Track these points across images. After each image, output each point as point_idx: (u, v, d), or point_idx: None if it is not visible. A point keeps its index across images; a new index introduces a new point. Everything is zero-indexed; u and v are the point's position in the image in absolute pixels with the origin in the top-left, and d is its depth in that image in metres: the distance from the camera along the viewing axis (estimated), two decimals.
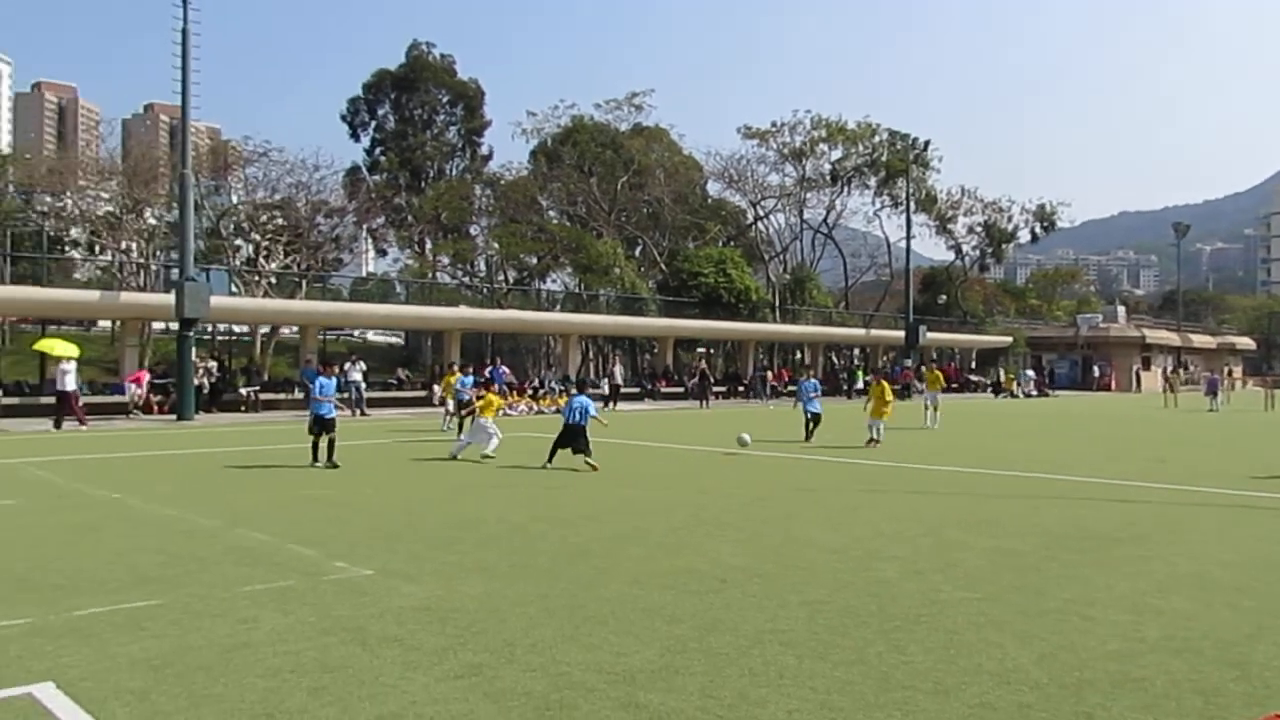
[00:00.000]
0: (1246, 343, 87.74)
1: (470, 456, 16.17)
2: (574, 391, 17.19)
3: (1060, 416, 31.84)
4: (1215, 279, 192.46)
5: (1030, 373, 58.41)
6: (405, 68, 59.74)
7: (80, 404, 23.97)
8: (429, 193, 56.44)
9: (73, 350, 25.14)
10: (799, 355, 60.18)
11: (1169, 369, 57.54)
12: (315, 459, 14.77)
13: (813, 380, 22.52)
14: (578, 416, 15.48)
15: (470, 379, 21.87)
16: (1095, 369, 66.75)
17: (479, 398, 17.52)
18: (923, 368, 38.19)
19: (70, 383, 23.74)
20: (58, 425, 23.22)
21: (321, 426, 14.84)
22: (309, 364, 34.11)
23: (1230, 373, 66.86)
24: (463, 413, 20.29)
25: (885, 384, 20.59)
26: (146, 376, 29.69)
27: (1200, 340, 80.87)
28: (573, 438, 15.19)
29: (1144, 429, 26.39)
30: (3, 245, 40.31)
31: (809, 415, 20.87)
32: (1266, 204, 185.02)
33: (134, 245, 42.78)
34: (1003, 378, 54.63)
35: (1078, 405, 42.02)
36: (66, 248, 45.24)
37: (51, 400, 25.75)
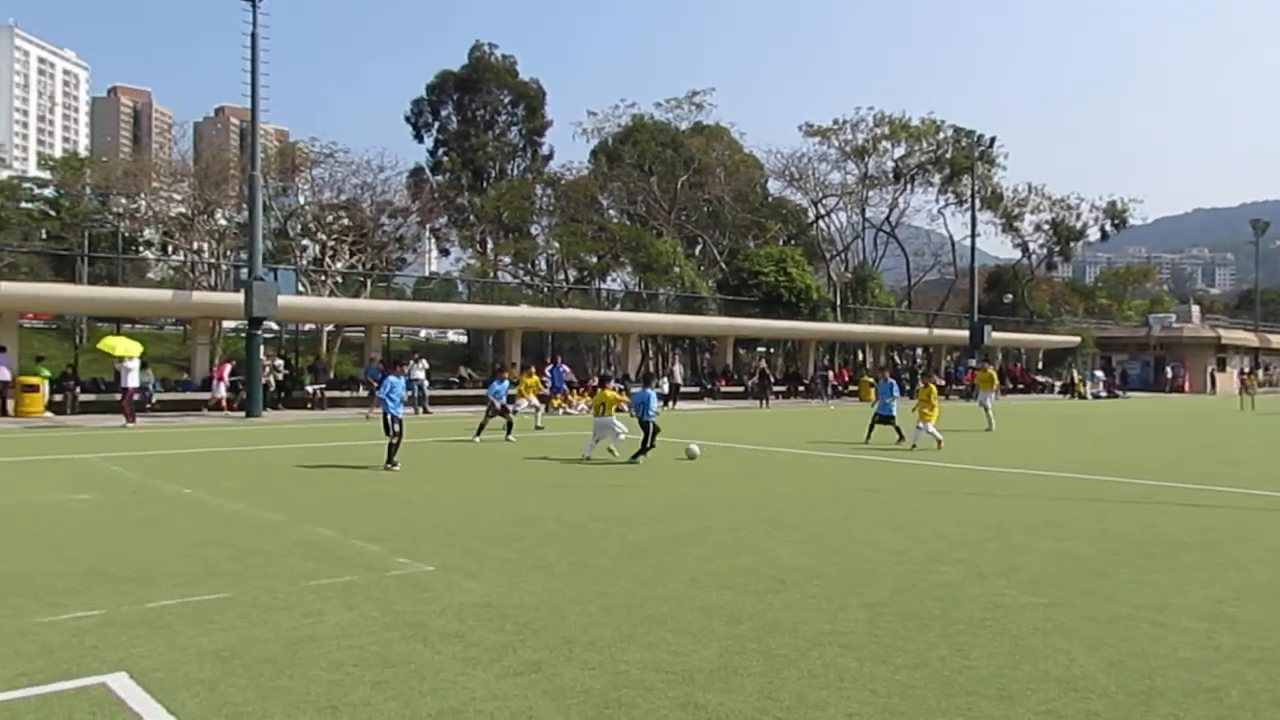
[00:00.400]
0: None
1: (543, 452, 16.27)
2: (636, 388, 17.38)
3: (1130, 419, 31.09)
4: None
5: (1099, 374, 57.10)
6: (468, 69, 60.35)
7: (132, 403, 24.17)
8: (491, 192, 56.95)
9: (134, 348, 25.75)
10: (860, 355, 59.59)
11: (1245, 370, 55.78)
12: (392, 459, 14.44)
13: (890, 381, 22.09)
14: (640, 412, 15.85)
15: (504, 384, 21.17)
16: (1168, 370, 64.98)
17: (591, 393, 18.01)
18: (973, 367, 37.65)
19: (133, 380, 24.12)
20: (130, 420, 23.73)
21: (394, 426, 14.71)
22: (373, 362, 34.67)
23: None
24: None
25: (932, 386, 20.01)
26: (229, 367, 30.58)
27: (1279, 341, 78.35)
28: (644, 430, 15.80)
29: (1218, 431, 25.64)
30: (81, 246, 41.57)
31: (878, 417, 20.51)
32: None
33: (205, 246, 43.80)
34: (1075, 378, 53.32)
35: (1149, 407, 40.99)
36: (141, 248, 46.50)
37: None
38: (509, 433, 19.93)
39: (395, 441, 14.45)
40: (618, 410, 16.89)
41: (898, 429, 20.01)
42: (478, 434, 19.58)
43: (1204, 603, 6.52)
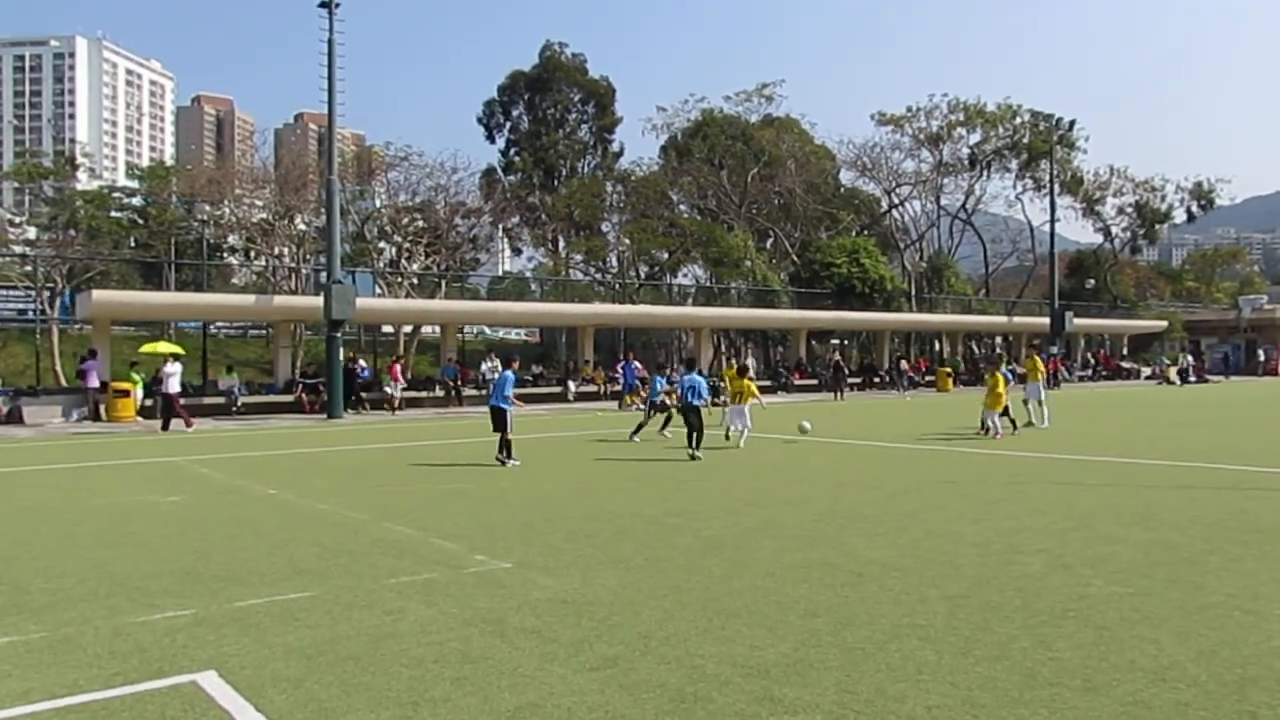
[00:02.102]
0: None
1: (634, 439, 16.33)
2: (681, 371, 17.32)
3: (1220, 404, 30.05)
4: None
5: (1189, 358, 55.32)
6: (539, 68, 60.84)
7: (182, 404, 24.22)
8: (562, 191, 57.37)
9: (176, 350, 26.21)
10: (937, 345, 58.63)
11: None
12: (503, 455, 14.57)
13: (1009, 368, 21.73)
14: (690, 396, 15.85)
15: (662, 380, 21.53)
16: (1260, 353, 62.71)
17: (731, 381, 18.40)
18: (1053, 355, 36.46)
19: (174, 385, 23.95)
20: (165, 427, 23.32)
21: (497, 423, 14.78)
22: (450, 362, 35.22)
23: None
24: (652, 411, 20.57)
25: (999, 375, 19.56)
26: (399, 367, 31.75)
27: None
28: (689, 416, 15.80)
29: None
30: (167, 253, 42.95)
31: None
32: None
33: (286, 250, 44.86)
34: (1174, 363, 51.57)
35: (1240, 391, 39.56)
36: (225, 254, 47.86)
37: (219, 400, 27.47)
38: (664, 427, 20.01)
39: (506, 438, 14.61)
40: (753, 399, 17.50)
41: (1012, 420, 19.83)
42: (635, 433, 19.21)
43: None
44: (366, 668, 5.03)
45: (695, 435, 15.60)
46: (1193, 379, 50.48)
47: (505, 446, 14.62)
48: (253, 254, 46.49)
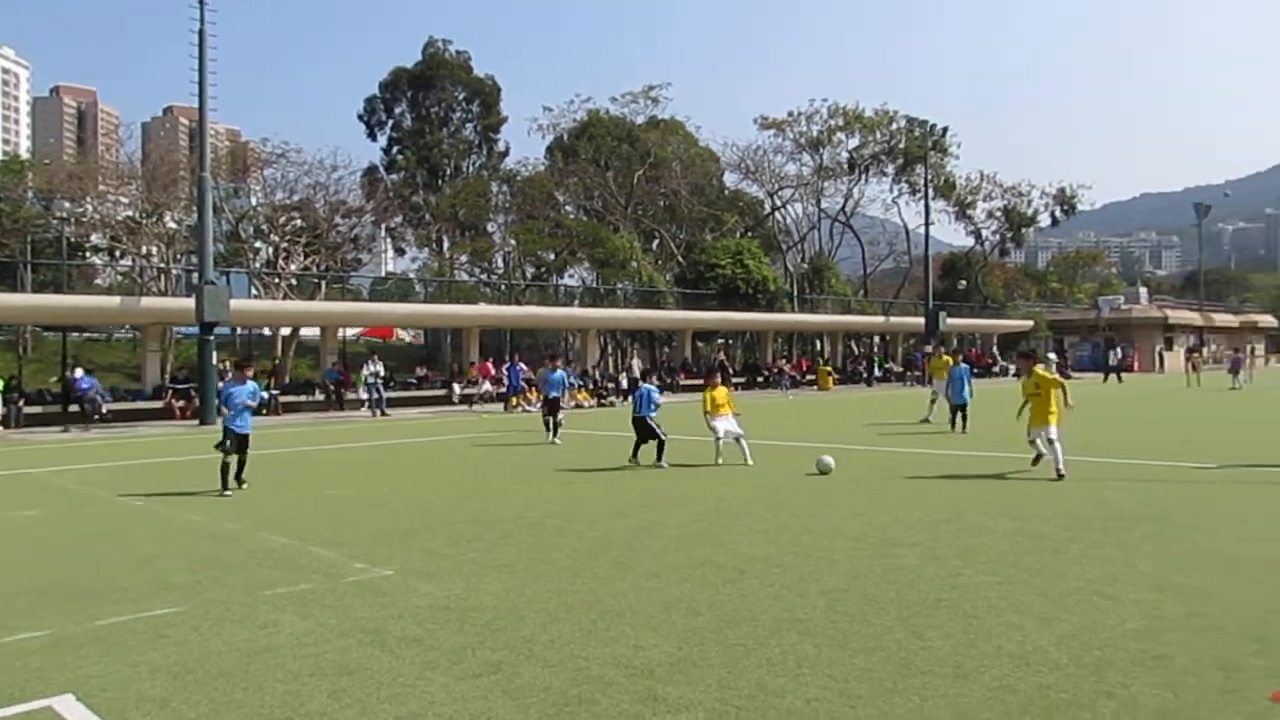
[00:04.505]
0: (1269, 321, 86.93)
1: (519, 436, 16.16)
2: (641, 382, 15.96)
3: (1081, 399, 31.52)
4: (1237, 258, 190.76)
5: (1052, 356, 57.97)
6: (422, 65, 59.82)
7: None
8: (446, 190, 56.59)
9: None
10: (818, 345, 60.00)
11: (1191, 348, 56.98)
12: (225, 487, 11.88)
13: (964, 366, 20.54)
14: (641, 407, 14.59)
15: (560, 374, 19.69)
16: (1118, 350, 66.28)
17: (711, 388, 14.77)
18: (928, 354, 37.63)
19: None
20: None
21: (237, 444, 12.11)
22: (333, 366, 34.36)
23: (1253, 351, 66.18)
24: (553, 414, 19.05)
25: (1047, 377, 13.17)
26: (490, 364, 31.37)
27: (1222, 319, 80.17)
28: (640, 430, 14.45)
29: (1166, 409, 26.14)
30: (23, 253, 40.68)
31: (956, 405, 19.54)
32: None
33: (154, 250, 43.05)
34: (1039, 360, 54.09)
35: (1100, 387, 41.66)
36: (87, 254, 45.59)
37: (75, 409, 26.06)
38: (553, 433, 18.59)
39: (231, 462, 12.10)
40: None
41: (964, 419, 19.27)
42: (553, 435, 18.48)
43: (1152, 574, 6.66)
44: (238, 684, 4.85)
45: (659, 446, 14.20)
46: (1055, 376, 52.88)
47: (240, 467, 12.18)
48: (118, 254, 44.41)
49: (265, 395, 28.37)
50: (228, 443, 12.07)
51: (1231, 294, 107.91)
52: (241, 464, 12.23)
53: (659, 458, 14.23)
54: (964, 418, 19.33)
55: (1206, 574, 6.67)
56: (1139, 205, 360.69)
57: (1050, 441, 11.93)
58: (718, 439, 14.37)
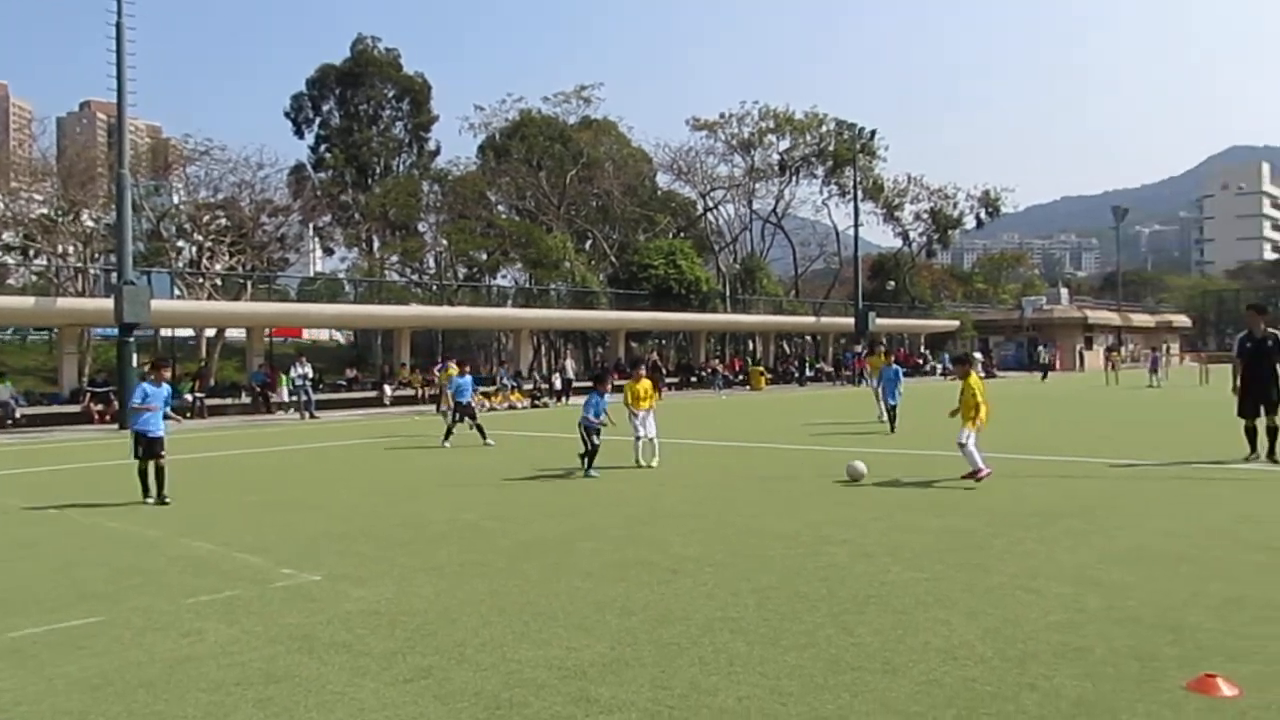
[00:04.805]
0: (1183, 321, 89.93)
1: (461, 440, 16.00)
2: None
3: (1006, 397, 32.35)
4: (1153, 260, 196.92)
5: (978, 355, 59.32)
6: (350, 63, 58.95)
7: None
8: (376, 190, 55.88)
9: None
10: (750, 345, 60.52)
11: (1110, 348, 58.74)
12: (146, 494, 11.38)
13: (895, 367, 20.39)
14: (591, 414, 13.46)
15: (468, 379, 19.31)
16: (1040, 349, 67.98)
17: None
18: (859, 354, 38.31)
19: None
20: None
21: (148, 449, 11.38)
22: (261, 368, 33.70)
23: (1168, 350, 68.44)
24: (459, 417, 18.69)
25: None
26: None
27: (1139, 319, 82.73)
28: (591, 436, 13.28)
29: (1086, 407, 26.90)
30: None
31: (888, 406, 19.44)
32: (1199, 187, 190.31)
33: (71, 249, 41.79)
34: (973, 360, 55.43)
35: (1024, 386, 42.69)
36: None
37: None
38: (482, 435, 18.06)
39: (149, 469, 11.47)
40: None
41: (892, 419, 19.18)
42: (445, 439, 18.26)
43: (1072, 568, 6.85)
44: (160, 695, 4.73)
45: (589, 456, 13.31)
46: (982, 375, 54.20)
47: (160, 476, 11.45)
48: (32, 253, 42.97)
49: (179, 400, 27.73)
50: (139, 448, 11.39)
51: (1148, 294, 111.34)
52: (160, 472, 11.35)
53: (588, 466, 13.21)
54: (893, 418, 19.42)
55: (1124, 567, 6.87)
56: (1059, 208, 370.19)
57: (961, 445, 11.42)
58: (638, 439, 14.13)
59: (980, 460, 11.23)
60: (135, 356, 27.00)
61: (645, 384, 14.65)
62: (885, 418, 19.85)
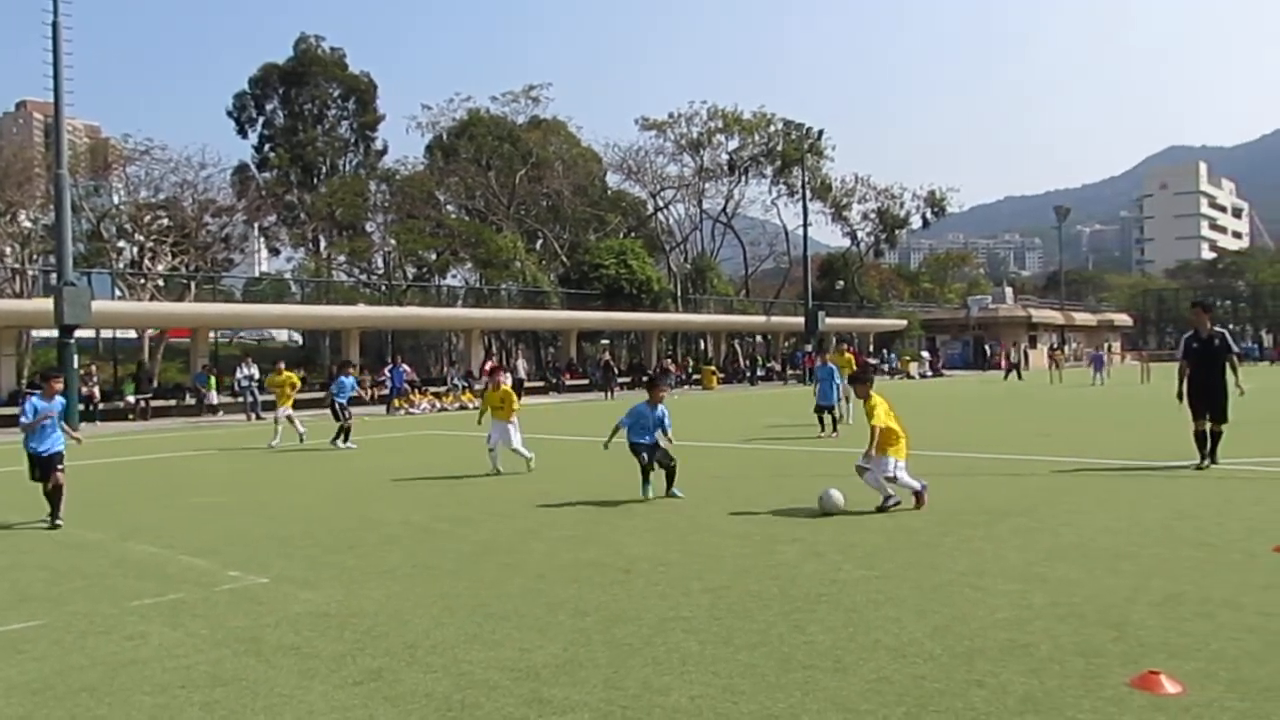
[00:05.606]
0: (1124, 319, 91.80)
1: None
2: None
3: (953, 396, 32.83)
4: (1095, 259, 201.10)
5: (925, 354, 60.19)
6: (294, 61, 58.24)
7: None
8: (322, 189, 55.26)
9: None
10: (702, 344, 60.73)
11: (1053, 346, 59.85)
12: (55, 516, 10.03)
13: (830, 366, 19.37)
14: (641, 434, 10.92)
15: (352, 380, 20.15)
16: (986, 348, 69.05)
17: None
18: (808, 352, 38.51)
19: None
20: None
21: (43, 469, 10.13)
22: (204, 369, 33.10)
23: (1110, 348, 69.82)
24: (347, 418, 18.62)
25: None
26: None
27: (1082, 318, 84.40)
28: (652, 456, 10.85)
29: (1031, 405, 27.36)
30: None
31: (824, 406, 18.67)
32: (1139, 188, 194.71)
33: (8, 250, 40.80)
34: (912, 358, 56.16)
35: (970, 384, 43.35)
36: None
37: None
38: (344, 438, 18.28)
39: (50, 489, 10.13)
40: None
41: (834, 419, 18.62)
42: (343, 440, 18.26)
43: (1018, 565, 6.96)
44: (103, 699, 4.63)
45: (667, 475, 10.85)
46: (929, 373, 55.05)
47: (56, 496, 10.10)
48: None
49: (122, 401, 27.22)
50: (35, 469, 10.16)
51: (1090, 294, 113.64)
52: (57, 491, 9.96)
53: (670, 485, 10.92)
54: (834, 419, 18.69)
55: (1069, 564, 6.99)
56: (1003, 208, 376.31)
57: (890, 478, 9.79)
58: (490, 449, 13.36)
59: (917, 481, 9.77)
60: (76, 358, 26.46)
61: (502, 391, 13.68)
62: (849, 419, 19.00)
